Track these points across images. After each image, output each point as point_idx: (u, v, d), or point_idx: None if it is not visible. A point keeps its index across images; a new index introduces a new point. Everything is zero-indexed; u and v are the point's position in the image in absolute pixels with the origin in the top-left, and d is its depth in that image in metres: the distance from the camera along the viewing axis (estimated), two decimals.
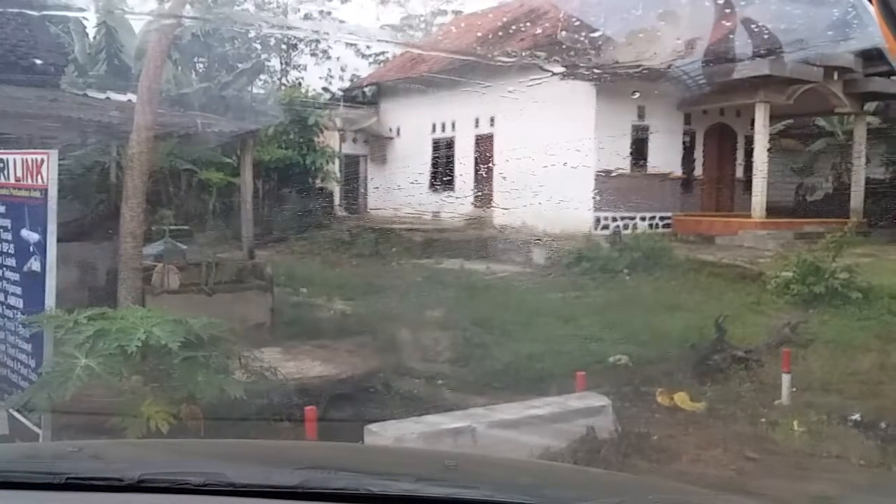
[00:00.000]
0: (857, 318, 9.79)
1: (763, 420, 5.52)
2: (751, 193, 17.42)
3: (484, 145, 20.36)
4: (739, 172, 19.72)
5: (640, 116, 18.14)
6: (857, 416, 5.27)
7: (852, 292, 10.51)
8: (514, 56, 17.04)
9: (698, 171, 19.33)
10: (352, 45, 30.13)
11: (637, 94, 17.26)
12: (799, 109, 19.40)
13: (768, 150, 20.49)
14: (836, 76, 17.41)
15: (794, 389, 5.86)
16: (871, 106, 19.76)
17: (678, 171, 18.88)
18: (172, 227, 11.32)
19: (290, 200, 18.66)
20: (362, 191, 24.09)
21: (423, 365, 7.10)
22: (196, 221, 15.28)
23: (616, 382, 6.19)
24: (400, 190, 22.50)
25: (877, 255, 15.30)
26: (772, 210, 18.29)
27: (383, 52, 29.65)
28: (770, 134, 21.49)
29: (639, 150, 18.12)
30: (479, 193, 20.51)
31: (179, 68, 17.69)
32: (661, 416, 5.68)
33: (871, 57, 17.43)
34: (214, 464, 1.65)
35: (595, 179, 17.22)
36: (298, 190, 19.10)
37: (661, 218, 18.26)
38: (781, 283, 11.34)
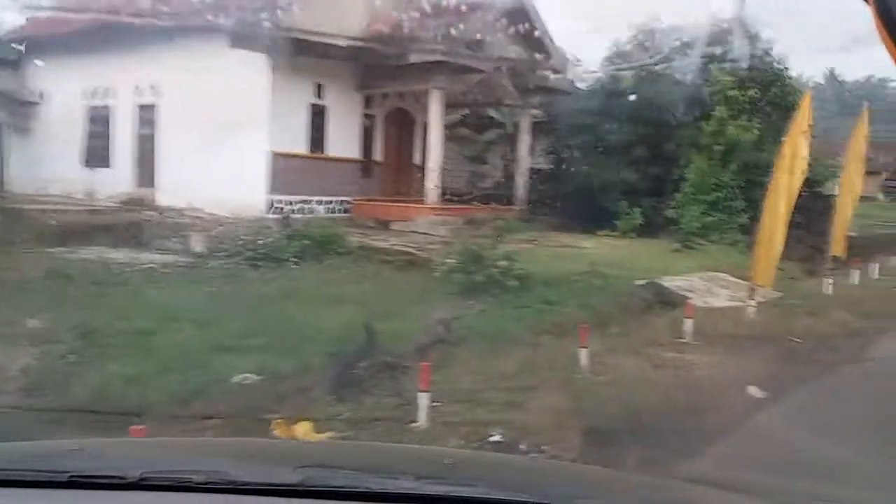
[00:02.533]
0: (514, 307, 9.78)
1: None
2: (436, 180, 17.44)
3: (146, 117, 17.96)
4: (419, 158, 19.77)
5: (319, 95, 17.21)
6: (497, 437, 4.72)
7: (510, 280, 10.57)
8: (177, 16, 15.08)
9: (379, 155, 18.98)
10: None
11: (315, 71, 16.34)
12: (474, 99, 20.01)
13: (447, 138, 20.93)
14: (505, 68, 18.08)
15: (438, 404, 5.22)
16: (537, 100, 21.02)
17: (359, 155, 18.35)
18: None
19: None
20: None
21: None
22: None
23: (232, 409, 5.05)
24: (47, 165, 19.16)
25: (537, 241, 16.13)
26: (449, 196, 18.59)
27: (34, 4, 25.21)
28: (450, 123, 22.04)
29: (318, 130, 17.20)
30: (140, 171, 18.12)
31: None
32: None
33: (538, 51, 18.43)
34: (216, 462, 1.64)
35: (269, 159, 15.97)
36: None
37: (341, 202, 17.59)
38: (447, 271, 11.15)
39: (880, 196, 36.44)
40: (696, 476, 3.20)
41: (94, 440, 2.26)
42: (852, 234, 19.32)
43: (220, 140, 14.95)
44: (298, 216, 15.44)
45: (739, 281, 11.70)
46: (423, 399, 4.77)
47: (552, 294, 10.42)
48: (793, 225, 11.66)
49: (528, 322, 8.94)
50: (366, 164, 18.56)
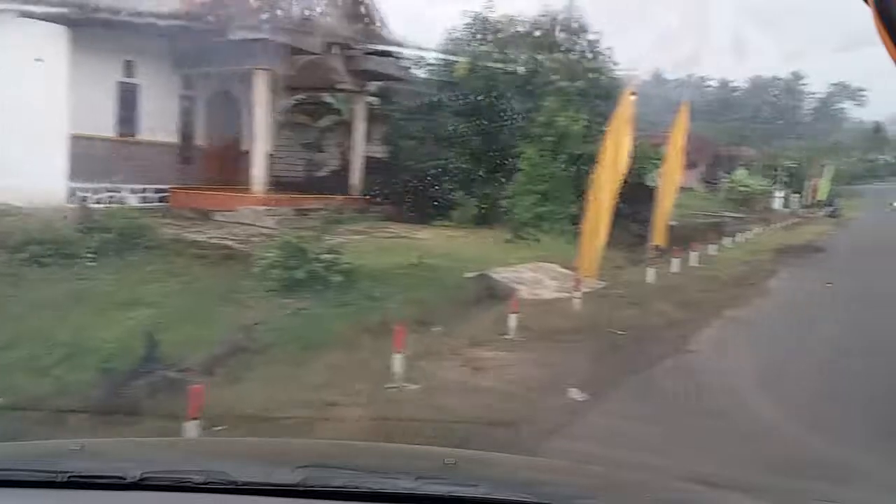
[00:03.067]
0: (335, 305, 9.10)
1: None
2: (262, 167, 16.33)
3: None
4: (248, 144, 18.54)
5: (129, 74, 15.62)
6: None
7: (334, 275, 9.87)
8: None
9: (201, 140, 17.60)
10: None
11: (124, 47, 14.77)
12: (306, 83, 19.01)
13: (280, 124, 19.85)
14: (336, 50, 17.27)
15: (220, 428, 4.45)
16: (373, 86, 20.37)
17: (177, 139, 16.90)
18: None
19: None
20: None
21: None
22: None
23: None
24: None
25: (370, 232, 15.53)
26: (281, 185, 17.57)
27: None
28: (283, 108, 20.91)
29: (128, 111, 15.61)
30: None
31: None
32: None
33: (371, 35, 17.74)
34: (216, 462, 1.64)
35: (69, 143, 14.27)
36: None
37: (157, 191, 16.12)
38: (266, 266, 10.26)
39: (698, 187, 38.93)
40: (696, 476, 2.90)
41: (94, 440, 2.25)
42: (673, 223, 20.29)
43: (11, 121, 13.14)
44: (103, 206, 13.89)
45: (568, 272, 11.66)
46: (192, 429, 3.98)
47: (378, 289, 9.84)
48: (619, 215, 11.80)
49: (349, 321, 8.28)
50: (186, 150, 17.14)
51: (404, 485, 1.48)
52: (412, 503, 1.45)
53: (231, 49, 15.19)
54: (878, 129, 54.15)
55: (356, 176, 19.05)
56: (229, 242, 12.58)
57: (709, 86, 64.97)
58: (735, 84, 67.51)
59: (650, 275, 12.63)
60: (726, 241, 19.79)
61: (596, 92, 16.95)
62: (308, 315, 8.53)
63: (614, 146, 9.61)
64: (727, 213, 29.88)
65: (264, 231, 13.78)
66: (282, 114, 20.27)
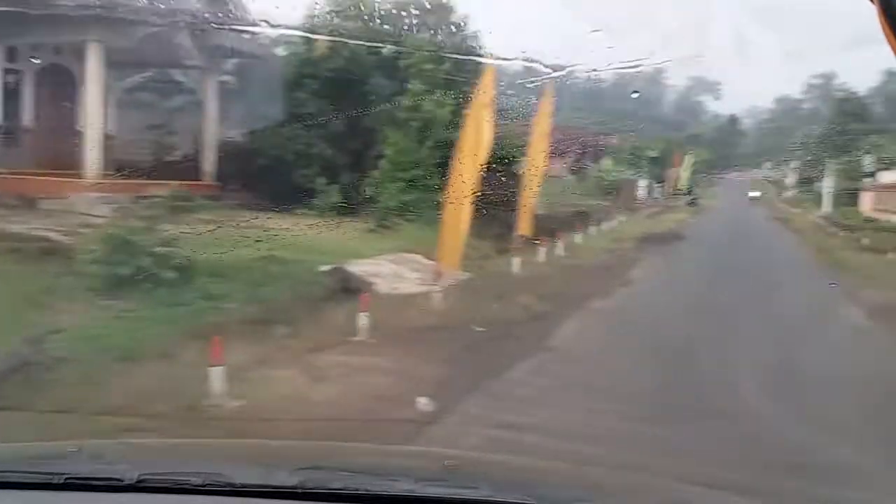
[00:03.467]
0: (167, 306, 8.08)
1: None
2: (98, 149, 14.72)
3: None
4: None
5: None
6: None
7: (167, 272, 8.79)
8: None
9: (28, 119, 15.73)
10: None
11: None
12: (150, 59, 17.45)
13: (124, 103, 18.18)
14: (183, 24, 15.83)
15: None
16: (227, 64, 19.02)
17: None
18: None
19: None
20: None
21: None
22: None
23: None
24: None
25: (219, 221, 14.31)
26: (123, 170, 15.96)
27: None
28: (129, 86, 19.19)
29: None
30: None
31: None
32: None
33: (224, 9, 16.44)
34: (214, 464, 1.63)
35: None
36: None
37: None
38: (90, 261, 9.04)
39: (568, 177, 39.64)
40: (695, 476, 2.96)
41: (92, 442, 2.25)
42: (541, 212, 20.22)
43: None
44: None
45: (433, 263, 11.09)
46: None
47: (218, 287, 8.89)
48: (487, 203, 11.36)
49: (179, 325, 7.31)
50: (10, 130, 15.25)
51: (403, 487, 1.47)
52: None
53: (61, 18, 13.55)
54: (733, 121, 57.43)
55: (209, 160, 17.69)
56: (53, 234, 11.12)
57: (577, 77, 66.60)
58: (602, 76, 69.67)
59: (516, 265, 12.29)
60: (593, 229, 19.95)
61: (463, 77, 16.43)
62: (131, 319, 7.47)
63: (475, 129, 9.07)
64: (595, 202, 30.44)
65: (97, 221, 12.33)
66: (126, 92, 18.58)
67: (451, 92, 16.03)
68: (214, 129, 18.15)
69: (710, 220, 28.56)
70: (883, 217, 29.43)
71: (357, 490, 1.43)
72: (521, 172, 14.13)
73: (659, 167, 42.59)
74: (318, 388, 5.66)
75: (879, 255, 18.15)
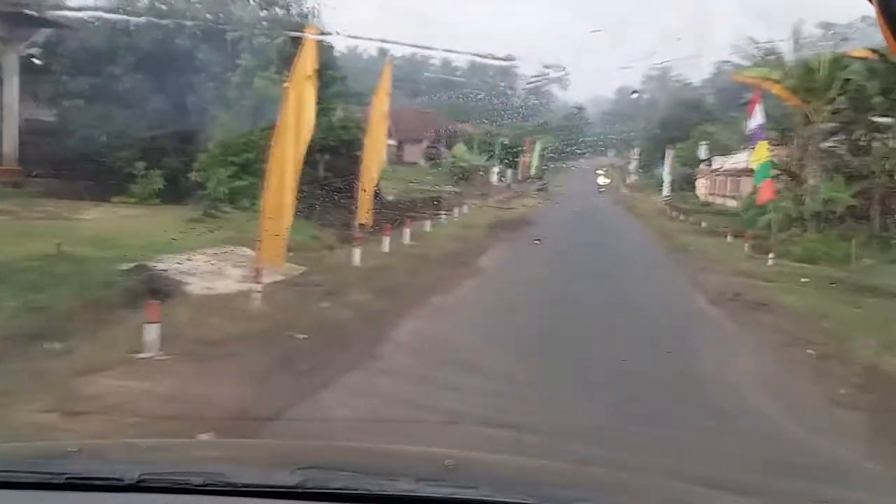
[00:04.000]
0: None
1: None
2: None
3: None
4: None
5: None
6: None
7: None
8: None
9: None
10: None
11: None
12: None
13: None
14: None
15: None
16: (29, 34, 16.73)
17: None
18: None
19: None
20: None
21: None
22: None
23: None
24: None
25: (15, 212, 12.45)
26: None
27: None
28: None
29: None
30: None
31: None
32: None
33: None
34: (214, 464, 1.62)
35: None
36: None
37: None
38: None
39: (422, 163, 39.12)
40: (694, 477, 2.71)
41: (92, 441, 2.39)
42: (392, 198, 19.32)
43: None
44: None
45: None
46: None
47: None
48: (328, 188, 10.31)
49: None
50: None
51: (404, 487, 1.47)
52: None
53: None
54: (579, 109, 59.27)
55: (10, 143, 15.47)
56: None
57: (432, 65, 66.43)
58: (456, 65, 69.94)
59: (356, 256, 11.31)
60: (443, 216, 19.32)
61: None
62: None
63: (296, 105, 7.96)
64: (447, 188, 29.99)
65: None
66: None
67: (288, 69, 14.77)
68: (16, 107, 15.92)
69: (557, 206, 28.81)
70: (718, 201, 31.00)
71: (357, 490, 1.43)
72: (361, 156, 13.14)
73: (511, 154, 42.95)
74: (75, 423, 4.44)
75: (719, 238, 18.89)
